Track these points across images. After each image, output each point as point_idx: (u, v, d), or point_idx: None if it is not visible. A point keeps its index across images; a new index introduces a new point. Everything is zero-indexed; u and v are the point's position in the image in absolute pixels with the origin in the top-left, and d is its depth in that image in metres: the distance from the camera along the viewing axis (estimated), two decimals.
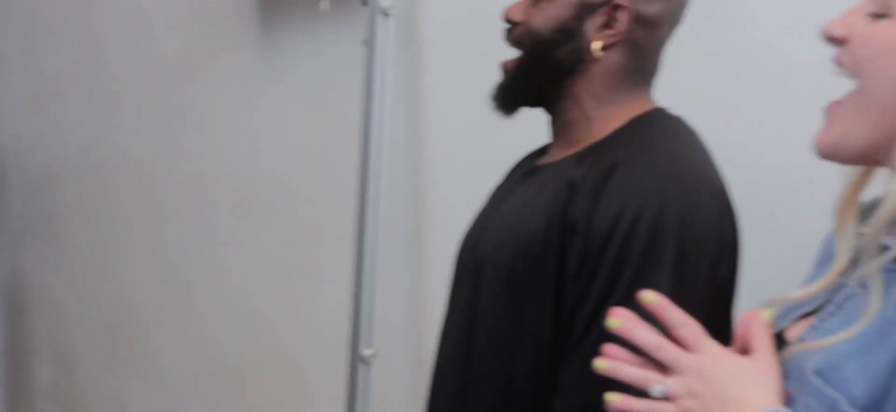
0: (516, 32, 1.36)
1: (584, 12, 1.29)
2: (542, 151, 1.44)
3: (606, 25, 1.29)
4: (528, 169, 1.40)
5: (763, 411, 0.89)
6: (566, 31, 1.30)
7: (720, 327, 1.09)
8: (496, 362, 1.27)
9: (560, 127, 1.36)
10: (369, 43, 2.15)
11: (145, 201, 2.98)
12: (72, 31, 3.16)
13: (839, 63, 0.96)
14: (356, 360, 2.17)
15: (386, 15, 2.14)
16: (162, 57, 2.85)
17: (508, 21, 1.37)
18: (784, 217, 1.61)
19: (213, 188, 2.73)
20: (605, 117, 1.31)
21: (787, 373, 0.93)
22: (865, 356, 0.87)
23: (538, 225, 1.24)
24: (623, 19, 1.28)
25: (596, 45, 1.29)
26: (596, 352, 1.00)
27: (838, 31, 0.95)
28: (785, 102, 1.63)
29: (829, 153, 0.97)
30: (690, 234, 1.16)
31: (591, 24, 1.29)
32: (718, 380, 0.92)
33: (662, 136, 1.28)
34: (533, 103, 1.37)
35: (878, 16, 0.93)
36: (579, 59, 1.30)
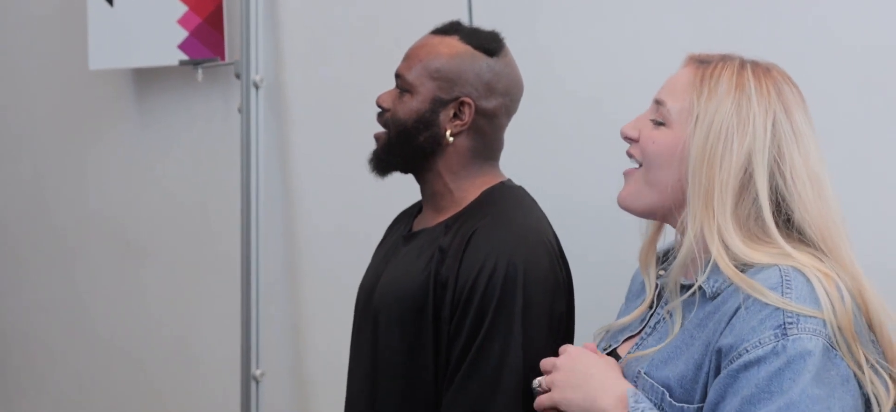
0: (385, 117, 1.67)
1: (438, 106, 1.63)
2: (415, 210, 1.78)
3: (456, 117, 1.63)
4: (406, 231, 1.73)
5: (627, 391, 1.28)
6: (424, 121, 1.64)
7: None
8: (398, 394, 1.60)
9: (428, 195, 1.70)
10: (244, 110, 2.52)
11: (34, 244, 3.20)
12: None
13: (630, 154, 1.38)
14: (248, 379, 2.56)
15: (257, 86, 2.52)
16: (40, 116, 3.09)
17: (379, 106, 1.68)
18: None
19: (98, 232, 3.00)
20: (464, 189, 1.67)
21: (625, 376, 1.34)
22: (676, 360, 1.28)
23: (418, 283, 1.58)
24: (468, 112, 1.63)
25: (448, 133, 1.63)
26: (469, 378, 1.48)
27: (631, 133, 1.38)
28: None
29: (625, 206, 1.40)
30: (532, 281, 1.54)
31: (444, 116, 1.63)
32: (581, 368, 1.34)
33: (508, 205, 1.64)
34: (403, 170, 1.71)
35: (659, 124, 1.35)
36: (437, 143, 1.64)
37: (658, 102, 1.37)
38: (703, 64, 1.35)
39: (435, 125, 1.64)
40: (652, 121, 1.37)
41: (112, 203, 2.95)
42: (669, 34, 1.91)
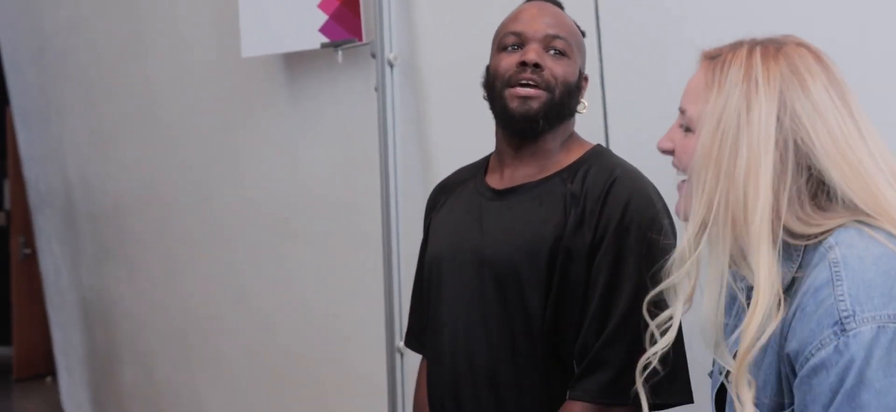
0: (546, 76, 1.75)
1: (580, 76, 1.82)
2: (467, 176, 1.90)
3: (582, 89, 1.82)
4: (487, 191, 1.82)
5: None
6: (577, 86, 1.81)
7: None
8: (528, 340, 1.69)
9: (531, 153, 1.79)
10: (379, 88, 2.59)
11: (203, 223, 3.43)
12: (126, 83, 3.61)
13: (675, 166, 1.37)
14: (393, 352, 2.63)
15: (391, 65, 2.58)
16: (207, 103, 3.29)
17: (536, 66, 1.75)
18: None
19: (259, 211, 3.17)
20: (566, 150, 1.82)
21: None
22: (762, 373, 1.25)
23: (549, 229, 1.69)
24: (585, 87, 1.84)
25: (583, 102, 1.83)
26: (630, 307, 1.61)
27: (666, 146, 1.37)
28: None
29: (685, 218, 1.36)
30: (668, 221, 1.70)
31: (582, 85, 1.83)
32: None
33: (618, 160, 1.80)
34: (548, 130, 1.78)
35: (688, 130, 1.33)
36: (573, 110, 1.81)
37: (681, 110, 1.35)
38: (713, 60, 1.32)
39: (579, 91, 1.82)
40: (681, 127, 1.35)
41: (266, 185, 3.10)
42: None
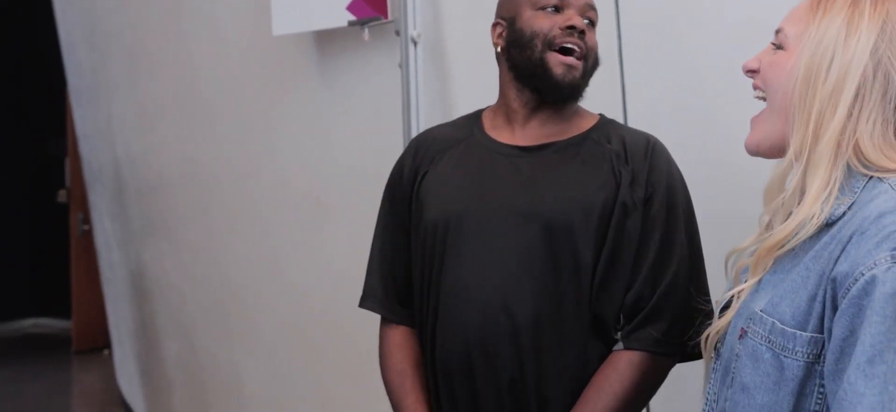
0: (588, 43, 1.79)
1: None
2: (462, 132, 1.91)
3: None
4: (500, 147, 1.82)
5: None
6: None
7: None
8: (576, 292, 1.71)
9: (550, 114, 1.82)
10: (403, 66, 2.63)
11: (241, 199, 3.51)
12: (168, 62, 3.71)
13: (755, 87, 1.38)
14: None
15: (415, 42, 2.61)
16: (243, 82, 3.37)
17: (581, 32, 1.77)
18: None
19: (295, 186, 3.23)
20: (578, 116, 1.86)
21: (741, 314, 1.34)
22: (793, 296, 1.25)
23: (597, 186, 1.73)
24: None
25: None
26: (682, 261, 1.71)
27: (752, 65, 1.38)
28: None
29: (753, 149, 1.38)
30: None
31: None
32: None
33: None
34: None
35: (778, 47, 1.35)
36: None
37: (777, 30, 1.36)
38: None
39: None
40: (772, 45, 1.36)
41: (299, 161, 3.16)
42: None
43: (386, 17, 2.68)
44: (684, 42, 2.20)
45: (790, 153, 1.29)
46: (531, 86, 1.80)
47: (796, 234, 1.27)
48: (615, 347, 1.73)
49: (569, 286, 1.70)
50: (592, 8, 1.82)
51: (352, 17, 2.73)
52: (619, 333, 1.73)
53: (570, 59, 1.76)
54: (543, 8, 1.78)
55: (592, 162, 1.76)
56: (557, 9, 1.78)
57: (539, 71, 1.77)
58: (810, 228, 1.25)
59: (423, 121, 2.63)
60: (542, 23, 1.77)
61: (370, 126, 2.90)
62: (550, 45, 1.76)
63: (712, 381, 1.41)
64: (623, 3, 2.25)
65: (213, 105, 3.53)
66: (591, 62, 1.80)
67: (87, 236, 6.47)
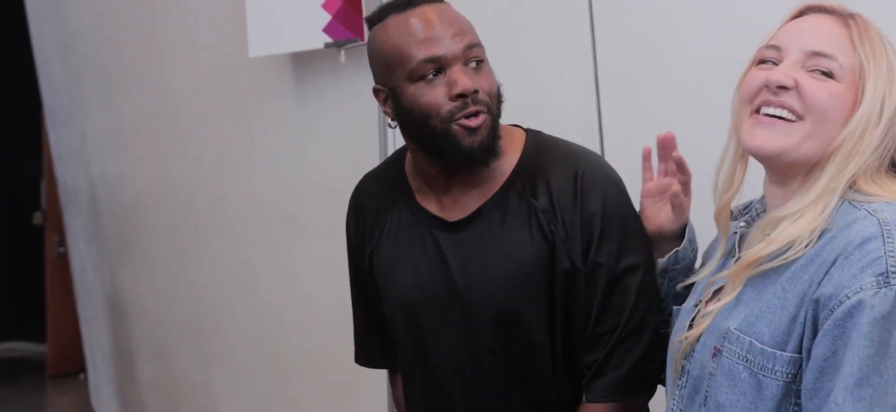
0: (482, 98, 1.58)
1: None
2: (394, 190, 1.76)
3: None
4: (429, 221, 1.68)
5: None
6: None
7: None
8: (538, 372, 1.66)
9: (472, 173, 1.64)
10: None
11: (216, 220, 3.49)
12: (144, 82, 3.70)
13: (784, 105, 1.32)
14: None
15: None
16: (219, 102, 3.36)
17: (474, 90, 1.57)
18: None
19: (270, 206, 3.22)
20: (504, 155, 1.66)
21: (711, 332, 1.34)
22: (769, 316, 1.27)
23: (529, 254, 1.60)
24: None
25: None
26: (636, 294, 1.60)
27: (787, 82, 1.31)
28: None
29: (771, 155, 1.33)
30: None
31: None
32: None
33: (561, 145, 1.70)
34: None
35: (826, 75, 1.31)
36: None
37: (821, 54, 1.32)
38: (842, 16, 1.35)
39: None
40: (819, 71, 1.32)
41: (274, 182, 3.16)
42: None
43: (362, 39, 2.68)
44: (660, 66, 2.20)
45: (817, 184, 1.30)
46: (442, 157, 1.63)
47: (782, 255, 1.28)
48: (583, 399, 1.67)
49: (529, 369, 1.66)
50: (474, 45, 1.59)
51: (328, 39, 2.74)
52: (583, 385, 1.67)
53: (476, 121, 1.57)
54: (423, 77, 1.57)
55: (521, 224, 1.63)
56: (438, 70, 1.57)
57: (445, 145, 1.59)
58: (799, 250, 1.27)
59: (399, 141, 2.62)
60: (429, 98, 1.57)
61: (346, 147, 2.89)
62: (449, 121, 1.57)
63: (677, 398, 1.41)
64: (599, 28, 2.25)
65: (189, 125, 3.52)
66: (495, 105, 1.61)
67: (63, 259, 6.41)
